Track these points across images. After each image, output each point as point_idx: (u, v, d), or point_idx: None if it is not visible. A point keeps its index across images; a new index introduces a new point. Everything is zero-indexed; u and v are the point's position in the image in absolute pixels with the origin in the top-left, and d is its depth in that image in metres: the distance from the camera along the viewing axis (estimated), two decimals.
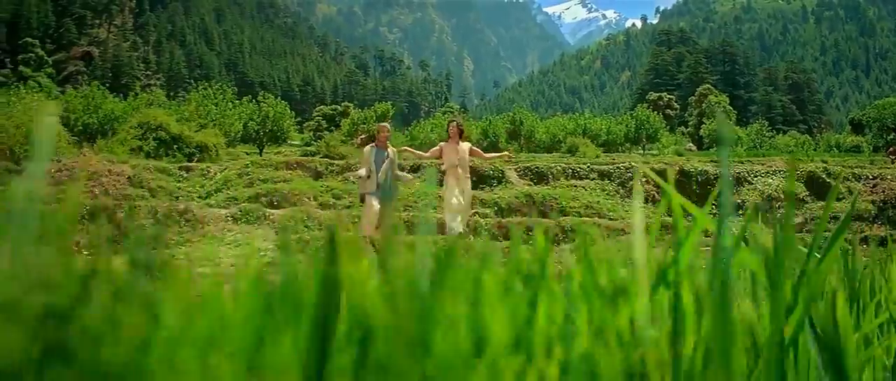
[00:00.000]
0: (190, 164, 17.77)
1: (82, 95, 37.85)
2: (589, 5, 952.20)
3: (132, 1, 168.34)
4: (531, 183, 16.98)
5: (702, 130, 73.01)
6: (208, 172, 17.00)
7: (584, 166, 17.82)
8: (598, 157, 30.01)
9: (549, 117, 67.97)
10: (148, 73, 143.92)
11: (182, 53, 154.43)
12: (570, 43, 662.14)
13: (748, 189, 17.20)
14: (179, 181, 16.43)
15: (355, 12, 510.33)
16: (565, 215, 14.57)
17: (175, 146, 23.89)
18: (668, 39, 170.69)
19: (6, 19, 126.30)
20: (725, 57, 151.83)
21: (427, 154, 12.23)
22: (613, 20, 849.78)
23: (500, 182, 16.79)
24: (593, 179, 17.33)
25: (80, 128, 33.69)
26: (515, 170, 17.45)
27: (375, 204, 10.88)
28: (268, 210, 11.89)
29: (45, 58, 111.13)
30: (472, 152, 11.80)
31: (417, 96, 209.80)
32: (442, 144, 11.75)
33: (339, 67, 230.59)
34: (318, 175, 16.58)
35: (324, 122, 74.18)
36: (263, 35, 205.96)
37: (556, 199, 15.43)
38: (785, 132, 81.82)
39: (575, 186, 16.82)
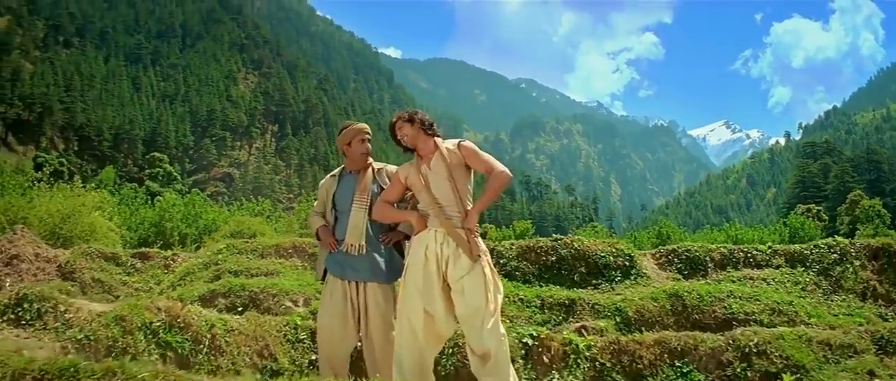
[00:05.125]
0: (148, 250, 12.62)
1: (183, 203, 34.34)
2: (733, 126, 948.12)
3: (274, 125, 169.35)
4: (679, 276, 10.74)
5: (856, 237, 66.60)
6: (173, 261, 11.83)
7: (764, 249, 11.38)
8: None
9: (696, 233, 62.94)
10: (290, 196, 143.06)
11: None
12: (716, 164, 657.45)
13: None
14: (129, 273, 11.49)
15: (502, 139, 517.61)
16: (736, 324, 8.39)
17: None
18: (813, 151, 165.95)
19: (142, 137, 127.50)
20: (870, 165, 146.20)
21: (386, 203, 5.57)
22: (757, 139, 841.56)
23: (626, 275, 10.32)
24: (778, 266, 10.87)
25: (177, 238, 29.90)
26: (653, 256, 11.20)
27: (337, 292, 5.53)
28: (84, 304, 6.09)
29: (174, 173, 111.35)
30: (468, 156, 5.49)
31: (564, 220, 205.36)
32: (398, 169, 5.69)
33: None
34: None
35: None
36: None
37: (719, 299, 9.07)
38: None
39: (750, 278, 10.51)
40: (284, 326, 6.56)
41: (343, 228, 5.66)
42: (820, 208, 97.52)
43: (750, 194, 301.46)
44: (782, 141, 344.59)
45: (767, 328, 8.42)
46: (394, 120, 5.62)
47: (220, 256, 11.14)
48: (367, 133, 5.93)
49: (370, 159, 5.88)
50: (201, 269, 10.76)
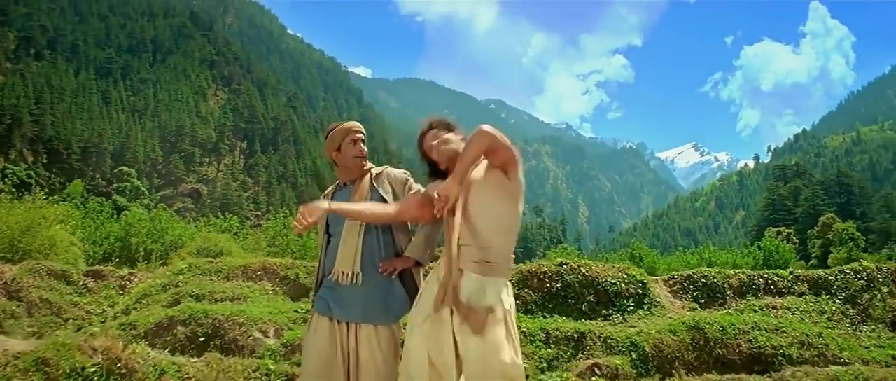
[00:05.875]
0: (103, 268, 11.43)
1: (149, 218, 33.55)
2: (701, 149, 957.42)
3: (243, 142, 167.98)
4: (695, 304, 9.74)
5: (829, 260, 67.24)
6: (129, 281, 10.68)
7: (785, 275, 10.47)
8: None
9: (667, 255, 62.30)
10: (258, 213, 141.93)
11: (294, 195, 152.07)
12: (684, 187, 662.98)
13: None
14: (80, 293, 10.48)
15: None
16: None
17: None
18: (783, 174, 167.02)
19: (110, 151, 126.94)
20: (841, 188, 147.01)
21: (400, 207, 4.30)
22: (725, 162, 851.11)
23: (639, 304, 9.44)
24: (801, 294, 10.01)
25: (142, 253, 28.89)
26: (666, 283, 10.27)
27: (322, 331, 4.23)
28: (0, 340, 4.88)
29: (142, 188, 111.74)
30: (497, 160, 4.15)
31: (532, 242, 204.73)
32: (430, 186, 4.31)
33: None
34: (299, 291, 9.79)
35: None
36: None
37: (744, 332, 8.08)
38: None
39: (773, 307, 9.56)
40: (254, 371, 5.37)
41: (335, 252, 4.39)
42: (790, 230, 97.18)
43: (718, 216, 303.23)
44: (751, 164, 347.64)
45: (798, 363, 7.58)
46: (426, 129, 4.47)
47: (180, 277, 10.07)
48: (359, 132, 4.70)
49: (367, 163, 4.63)
50: (159, 291, 9.69)
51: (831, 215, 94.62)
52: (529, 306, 9.20)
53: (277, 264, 10.49)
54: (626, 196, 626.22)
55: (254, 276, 10.14)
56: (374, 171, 4.62)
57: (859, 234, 77.79)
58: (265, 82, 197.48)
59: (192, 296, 9.21)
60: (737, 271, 10.65)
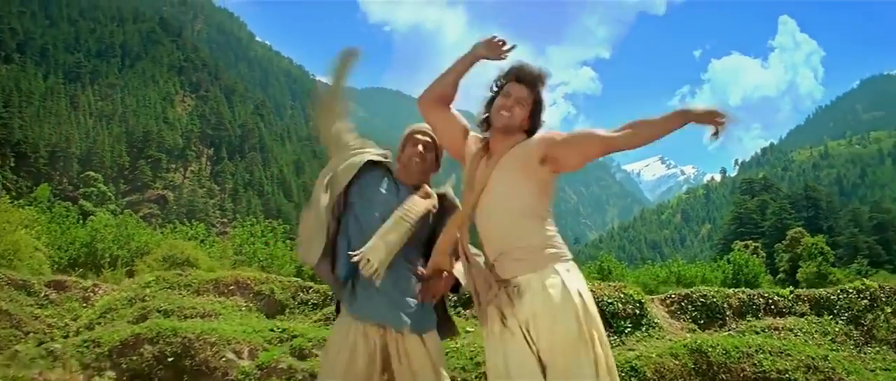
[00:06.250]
0: (66, 278, 10.82)
1: (115, 224, 32.90)
2: (668, 162, 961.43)
3: (210, 149, 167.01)
4: (694, 326, 9.27)
5: (798, 275, 65.83)
6: (94, 293, 10.07)
7: (786, 295, 10.00)
8: None
9: (634, 268, 62.20)
10: (224, 220, 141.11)
11: (260, 203, 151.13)
12: (650, 199, 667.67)
13: None
14: (42, 305, 9.82)
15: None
16: None
17: None
18: (750, 188, 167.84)
19: (77, 155, 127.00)
20: (808, 202, 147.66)
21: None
22: (692, 175, 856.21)
23: (637, 325, 8.88)
24: (803, 314, 9.60)
25: (108, 259, 28.31)
26: (663, 303, 9.81)
27: (357, 345, 3.47)
28: None
29: (109, 193, 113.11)
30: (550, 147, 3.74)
31: None
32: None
33: None
34: (275, 308, 9.23)
35: None
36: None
37: (748, 355, 7.63)
38: (870, 275, 76.66)
39: (775, 328, 9.13)
40: None
41: (362, 230, 3.68)
42: (757, 244, 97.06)
43: (684, 229, 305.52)
44: (718, 177, 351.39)
45: None
46: (538, 78, 3.88)
47: (147, 290, 9.46)
48: (422, 132, 4.16)
49: (427, 174, 4.17)
50: (125, 305, 9.08)
51: (799, 229, 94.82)
52: None
53: (251, 278, 9.88)
54: (592, 208, 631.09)
55: (226, 290, 9.54)
56: (439, 190, 4.13)
57: (828, 248, 78.23)
58: (233, 89, 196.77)
59: (159, 311, 8.64)
60: (736, 290, 10.20)
